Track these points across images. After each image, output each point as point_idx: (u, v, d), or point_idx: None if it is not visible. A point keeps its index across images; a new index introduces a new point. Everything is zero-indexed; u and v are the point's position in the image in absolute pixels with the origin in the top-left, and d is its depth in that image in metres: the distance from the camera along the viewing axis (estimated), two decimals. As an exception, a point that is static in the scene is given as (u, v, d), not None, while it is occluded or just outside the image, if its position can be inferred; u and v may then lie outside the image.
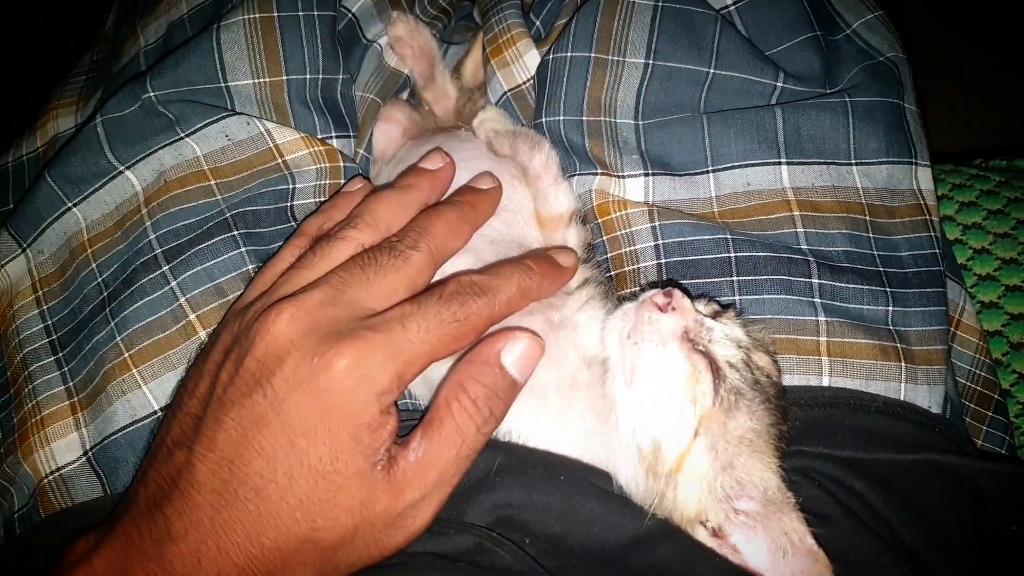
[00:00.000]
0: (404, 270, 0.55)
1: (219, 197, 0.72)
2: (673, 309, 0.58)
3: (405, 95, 0.96)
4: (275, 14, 0.76)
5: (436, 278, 0.59)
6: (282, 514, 0.47)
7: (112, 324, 0.67)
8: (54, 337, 0.71)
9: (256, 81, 0.75)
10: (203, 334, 0.65)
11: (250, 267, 0.69)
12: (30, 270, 0.73)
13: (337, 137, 0.80)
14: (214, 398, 0.50)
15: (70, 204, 0.72)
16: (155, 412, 0.64)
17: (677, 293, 0.58)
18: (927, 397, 0.67)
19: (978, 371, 0.85)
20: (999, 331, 0.94)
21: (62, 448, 0.65)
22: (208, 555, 0.46)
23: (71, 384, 0.68)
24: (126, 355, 0.65)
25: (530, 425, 0.64)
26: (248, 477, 0.47)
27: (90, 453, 0.64)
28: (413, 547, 0.53)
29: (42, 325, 0.71)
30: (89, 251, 0.71)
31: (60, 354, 0.70)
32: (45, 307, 0.72)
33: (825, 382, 0.67)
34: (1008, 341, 0.93)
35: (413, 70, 0.92)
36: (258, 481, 0.47)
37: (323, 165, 0.76)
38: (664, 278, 0.71)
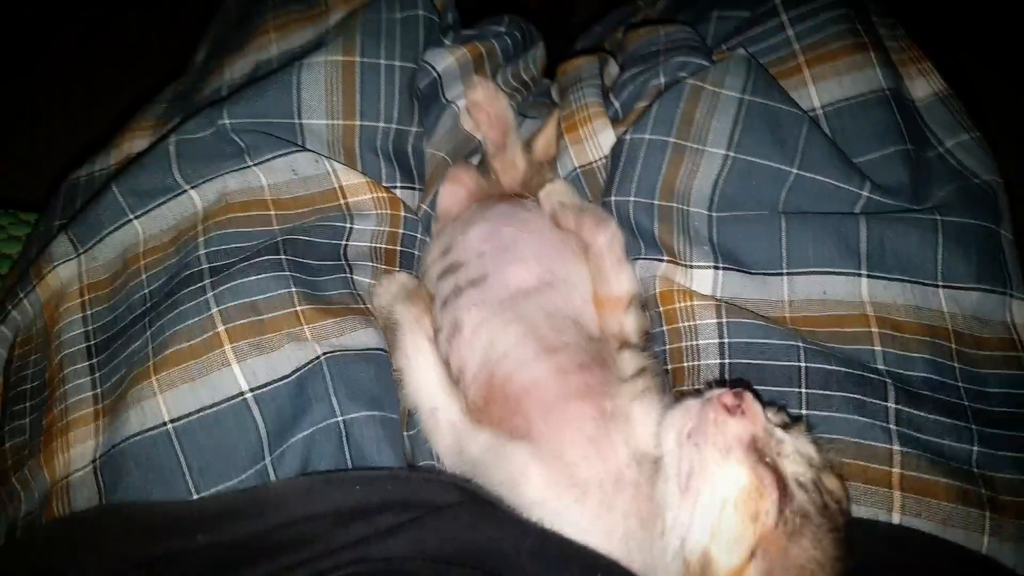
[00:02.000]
0: None
1: (276, 228, 0.70)
2: (742, 413, 0.53)
3: (476, 160, 0.95)
4: (357, 59, 0.76)
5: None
6: None
7: (148, 334, 0.65)
8: (92, 343, 0.69)
9: (330, 122, 0.75)
10: (228, 347, 0.62)
11: (293, 290, 0.66)
12: (80, 275, 0.72)
13: (402, 187, 0.78)
14: None
15: (131, 216, 0.71)
16: (164, 424, 0.60)
17: (748, 396, 0.53)
18: (1013, 556, 0.60)
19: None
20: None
21: (78, 455, 0.62)
22: None
23: (99, 390, 0.65)
24: (150, 362, 0.62)
25: (564, 519, 0.58)
26: None
27: (97, 461, 0.61)
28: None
29: (83, 330, 0.69)
30: (142, 263, 0.70)
31: (94, 360, 0.67)
32: (88, 312, 0.70)
33: (895, 519, 0.60)
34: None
35: (486, 136, 0.91)
36: None
37: (384, 212, 0.75)
38: (727, 379, 0.66)
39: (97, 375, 0.66)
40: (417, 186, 0.82)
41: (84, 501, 0.60)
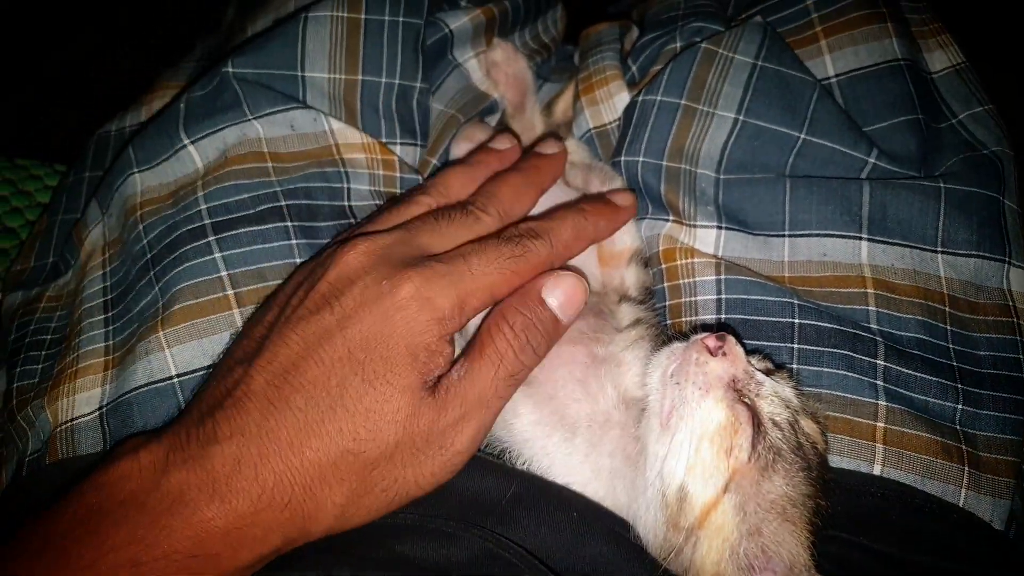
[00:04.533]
0: (473, 227, 0.60)
1: (274, 179, 0.72)
2: (724, 354, 0.55)
3: (492, 121, 0.97)
4: (363, 16, 0.77)
5: None
6: (327, 422, 0.48)
7: (156, 288, 0.67)
8: (109, 297, 0.72)
9: (331, 76, 0.77)
10: (236, 311, 0.64)
11: (298, 260, 0.68)
12: (104, 233, 0.76)
13: (403, 144, 0.81)
14: (282, 319, 0.53)
15: (136, 170, 0.73)
16: (171, 377, 0.62)
17: (730, 339, 0.56)
18: (989, 510, 0.61)
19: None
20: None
21: (83, 400, 0.65)
22: (248, 460, 0.47)
23: (111, 342, 0.68)
24: (159, 318, 0.65)
25: (553, 457, 0.61)
26: (302, 386, 0.49)
27: (104, 409, 0.64)
28: (407, 549, 0.51)
29: (102, 285, 0.73)
30: (138, 213, 0.72)
31: (110, 313, 0.71)
32: (108, 268, 0.74)
33: (877, 471, 0.62)
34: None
35: (504, 97, 0.93)
36: (310, 389, 0.49)
37: (378, 172, 0.77)
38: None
39: (111, 328, 0.69)
40: (419, 143, 0.83)
41: (89, 446, 0.63)
